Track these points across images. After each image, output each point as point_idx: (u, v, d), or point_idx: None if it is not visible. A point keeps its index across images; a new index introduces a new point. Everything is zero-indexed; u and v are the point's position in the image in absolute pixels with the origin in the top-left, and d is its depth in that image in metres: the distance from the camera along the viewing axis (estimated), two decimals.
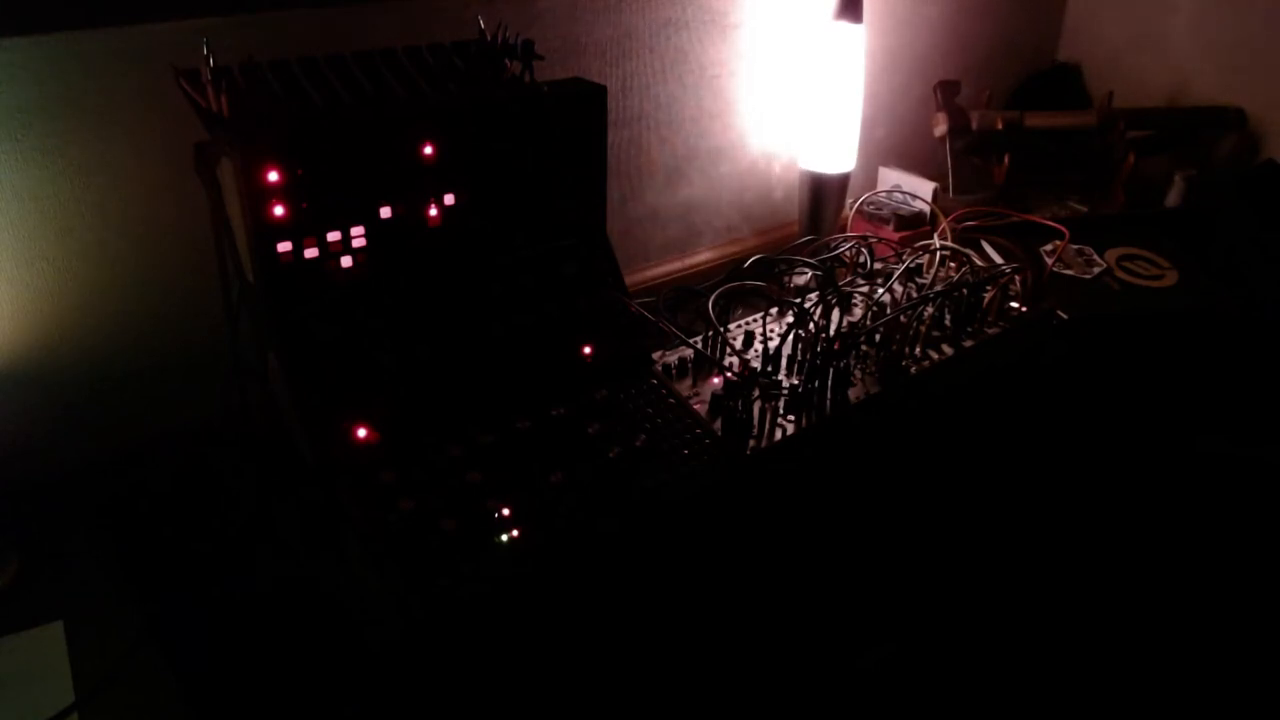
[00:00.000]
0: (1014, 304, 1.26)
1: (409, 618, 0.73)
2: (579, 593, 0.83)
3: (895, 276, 1.20)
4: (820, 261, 1.24)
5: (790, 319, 1.11)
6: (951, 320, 1.20)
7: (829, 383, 1.04)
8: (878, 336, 1.13)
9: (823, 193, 1.43)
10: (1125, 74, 1.80)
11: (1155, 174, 1.61)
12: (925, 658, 1.09)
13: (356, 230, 0.85)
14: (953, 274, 1.23)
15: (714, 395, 1.00)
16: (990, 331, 1.21)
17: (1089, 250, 1.47)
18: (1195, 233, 1.47)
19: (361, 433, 0.83)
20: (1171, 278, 1.42)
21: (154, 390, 0.98)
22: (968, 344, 1.18)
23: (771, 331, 1.16)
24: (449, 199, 0.90)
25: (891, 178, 1.52)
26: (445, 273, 0.92)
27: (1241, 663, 0.87)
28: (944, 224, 1.33)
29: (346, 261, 0.85)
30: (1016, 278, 1.25)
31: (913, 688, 1.08)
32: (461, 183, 0.90)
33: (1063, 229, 1.39)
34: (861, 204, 1.44)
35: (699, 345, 1.07)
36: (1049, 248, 1.42)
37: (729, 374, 1.00)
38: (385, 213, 0.86)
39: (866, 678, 1.03)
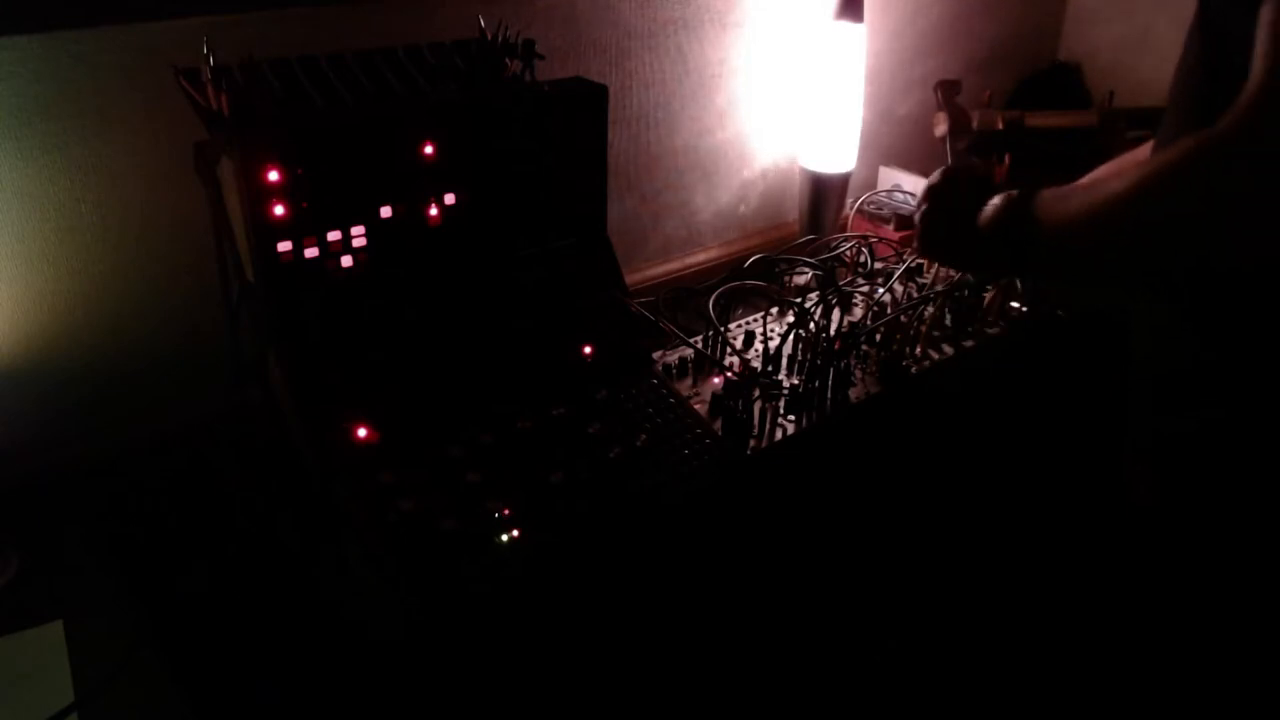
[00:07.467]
0: (1014, 304, 1.26)
1: (409, 618, 0.73)
2: (579, 593, 0.83)
3: (896, 276, 1.20)
4: (820, 261, 1.24)
5: (790, 319, 1.11)
6: (952, 320, 1.20)
7: (829, 383, 1.04)
8: (878, 336, 1.13)
9: (823, 192, 1.43)
10: (1125, 74, 1.80)
11: None
12: (925, 657, 1.09)
13: (357, 230, 0.85)
14: (953, 274, 1.23)
15: (714, 395, 1.00)
16: (990, 331, 1.21)
17: None
18: None
19: (361, 433, 0.83)
20: None
21: (154, 390, 0.98)
22: (968, 344, 1.18)
23: (772, 331, 1.15)
24: (449, 198, 0.90)
25: (892, 177, 1.52)
26: (445, 272, 0.91)
27: (1245, 664, 0.87)
28: None
29: (347, 261, 0.85)
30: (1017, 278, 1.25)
31: (912, 687, 1.08)
32: (462, 182, 0.90)
33: None
34: (862, 204, 1.43)
35: (699, 345, 1.07)
36: None
37: (729, 374, 1.00)
38: (385, 212, 0.86)
39: (864, 677, 1.03)
